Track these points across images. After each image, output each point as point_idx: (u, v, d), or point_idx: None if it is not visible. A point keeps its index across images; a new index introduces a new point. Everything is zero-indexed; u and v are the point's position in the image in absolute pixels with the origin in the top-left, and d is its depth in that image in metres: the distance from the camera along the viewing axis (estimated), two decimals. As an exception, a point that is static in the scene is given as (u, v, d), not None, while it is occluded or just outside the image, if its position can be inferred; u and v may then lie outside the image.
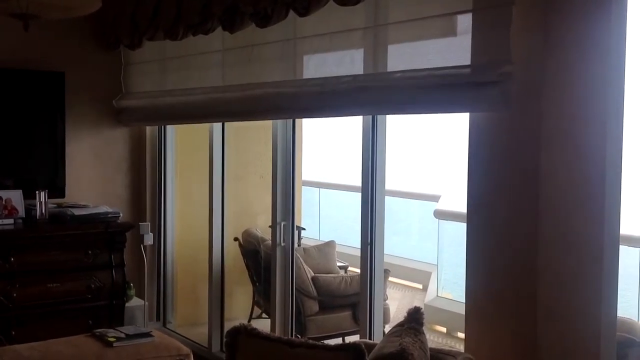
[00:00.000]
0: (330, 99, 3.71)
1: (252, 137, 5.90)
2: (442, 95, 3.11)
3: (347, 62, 3.67)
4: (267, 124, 4.61)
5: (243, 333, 2.88)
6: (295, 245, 4.66)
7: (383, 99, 3.43)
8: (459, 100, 3.04)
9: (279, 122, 4.32)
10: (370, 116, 3.65)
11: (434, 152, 8.24)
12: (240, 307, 5.90)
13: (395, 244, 7.80)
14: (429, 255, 7.68)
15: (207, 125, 4.91)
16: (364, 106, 3.56)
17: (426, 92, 3.19)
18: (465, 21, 3.04)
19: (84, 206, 4.94)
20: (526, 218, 2.86)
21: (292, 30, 3.94)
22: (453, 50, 3.09)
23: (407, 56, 3.37)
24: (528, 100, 2.84)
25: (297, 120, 4.55)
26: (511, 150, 2.87)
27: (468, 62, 2.99)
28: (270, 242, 4.61)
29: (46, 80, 5.01)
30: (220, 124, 4.83)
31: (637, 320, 5.06)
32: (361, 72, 3.55)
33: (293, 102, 3.98)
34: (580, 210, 2.71)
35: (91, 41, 5.25)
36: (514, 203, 2.88)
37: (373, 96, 3.47)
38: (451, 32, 3.17)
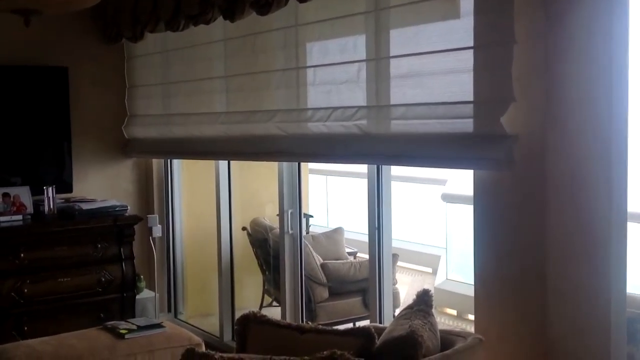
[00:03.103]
0: (335, 147, 3.72)
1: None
2: (446, 151, 3.15)
3: (350, 49, 3.65)
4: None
5: (253, 320, 2.89)
6: (304, 232, 4.67)
7: (389, 153, 3.44)
8: (463, 156, 3.07)
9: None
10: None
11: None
12: (250, 296, 5.92)
13: (404, 229, 7.79)
14: (438, 239, 7.67)
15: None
16: (370, 157, 3.58)
17: (430, 147, 3.22)
18: (467, 3, 3.02)
19: (92, 200, 4.95)
20: (533, 198, 2.86)
21: (293, 18, 3.93)
22: (456, 32, 3.07)
23: (409, 41, 3.35)
24: (534, 80, 2.83)
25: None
26: (517, 131, 2.85)
27: (471, 44, 2.98)
28: (278, 230, 4.62)
29: (49, 75, 5.02)
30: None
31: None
32: (364, 57, 3.53)
33: (298, 146, 3.97)
34: (588, 188, 2.70)
35: (93, 35, 5.24)
36: (521, 184, 2.87)
37: (379, 148, 3.47)
38: (454, 14, 3.15)
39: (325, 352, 2.29)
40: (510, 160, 2.82)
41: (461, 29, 3.04)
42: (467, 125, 3.03)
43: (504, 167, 2.86)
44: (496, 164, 2.89)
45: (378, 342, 2.59)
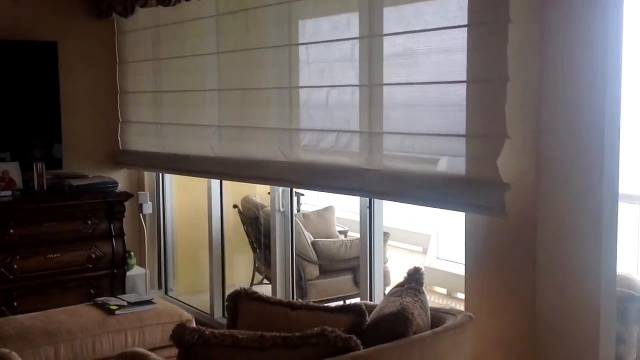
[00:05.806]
0: (327, 178, 3.69)
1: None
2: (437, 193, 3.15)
3: (343, 26, 3.62)
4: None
5: (244, 297, 2.89)
6: (295, 210, 4.66)
7: (380, 188, 3.42)
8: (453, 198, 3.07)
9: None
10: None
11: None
12: (241, 274, 5.93)
13: (394, 208, 7.79)
14: (429, 218, 7.67)
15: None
16: (361, 190, 3.55)
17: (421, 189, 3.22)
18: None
19: (82, 177, 4.93)
20: (525, 175, 2.86)
21: (286, -7, 3.89)
22: (450, 10, 3.05)
23: (403, 18, 3.33)
24: (526, 55, 2.82)
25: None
26: (509, 108, 2.85)
27: (465, 22, 2.96)
28: (269, 208, 4.61)
29: (39, 50, 4.96)
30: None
31: (636, 276, 5.07)
32: (357, 35, 3.50)
33: (289, 174, 3.92)
34: (580, 167, 2.70)
35: (83, 9, 5.19)
36: (513, 160, 2.87)
37: (370, 182, 3.44)
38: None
39: (316, 329, 2.29)
40: (501, 208, 2.82)
41: (455, 7, 3.02)
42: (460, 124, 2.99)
43: (495, 212, 2.86)
44: (486, 208, 2.90)
45: (369, 319, 2.60)
